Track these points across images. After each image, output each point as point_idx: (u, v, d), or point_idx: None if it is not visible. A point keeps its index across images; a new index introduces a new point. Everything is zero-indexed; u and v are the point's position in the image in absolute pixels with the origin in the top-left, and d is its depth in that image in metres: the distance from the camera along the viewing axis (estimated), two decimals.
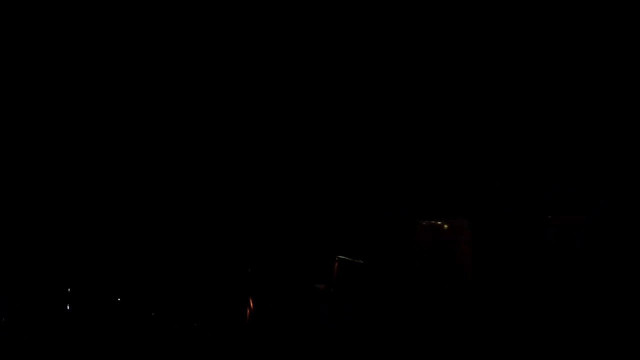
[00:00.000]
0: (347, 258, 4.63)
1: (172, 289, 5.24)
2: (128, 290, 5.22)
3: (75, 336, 4.60)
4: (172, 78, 5.34)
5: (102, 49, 5.18)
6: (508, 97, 5.09)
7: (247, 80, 5.32)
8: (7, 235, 5.20)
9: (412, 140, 5.24)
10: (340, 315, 4.49)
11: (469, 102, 5.16)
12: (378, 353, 4.36)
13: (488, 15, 5.02)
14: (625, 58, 4.85)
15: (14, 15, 5.00)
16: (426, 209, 4.92)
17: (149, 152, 5.41)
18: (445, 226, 4.70)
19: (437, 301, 4.56)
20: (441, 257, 4.65)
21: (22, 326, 4.57)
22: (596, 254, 4.58)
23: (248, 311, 4.70)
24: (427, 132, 5.23)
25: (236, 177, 5.41)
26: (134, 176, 5.42)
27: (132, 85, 5.34)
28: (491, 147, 5.11)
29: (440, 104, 5.21)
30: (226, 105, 5.38)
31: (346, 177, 5.29)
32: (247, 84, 5.33)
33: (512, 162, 5.06)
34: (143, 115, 5.39)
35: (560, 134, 4.99)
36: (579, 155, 4.94)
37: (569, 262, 4.59)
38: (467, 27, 5.07)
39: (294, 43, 5.23)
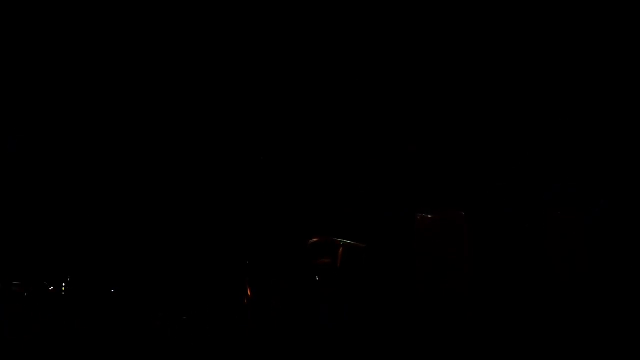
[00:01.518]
0: (350, 242, 4.62)
1: (169, 285, 5.22)
2: (124, 288, 5.21)
3: (70, 330, 4.60)
4: (167, 77, 5.34)
5: (102, 49, 5.18)
6: (507, 96, 5.10)
7: (246, 76, 5.32)
8: (5, 234, 5.19)
9: (413, 138, 5.24)
10: (340, 315, 4.49)
11: (468, 101, 5.16)
12: (378, 353, 4.35)
13: (487, 14, 5.02)
14: (625, 58, 4.85)
15: (14, 16, 4.99)
16: (425, 205, 4.92)
17: (140, 144, 5.40)
18: (443, 219, 4.72)
19: (436, 297, 4.57)
20: (439, 251, 4.67)
21: (21, 326, 4.56)
22: (596, 251, 4.60)
23: (248, 310, 4.70)
24: (427, 130, 5.23)
25: (240, 175, 5.40)
26: (125, 170, 5.41)
27: (128, 83, 5.33)
28: (491, 147, 5.11)
29: (439, 103, 5.21)
30: (219, 98, 5.37)
31: (346, 174, 5.29)
32: (246, 81, 5.33)
33: (512, 161, 5.07)
34: (129, 110, 5.38)
35: (561, 134, 4.99)
36: (579, 155, 4.95)
37: (568, 259, 4.60)
38: (466, 25, 5.07)
39: (289, 41, 5.22)
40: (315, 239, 4.68)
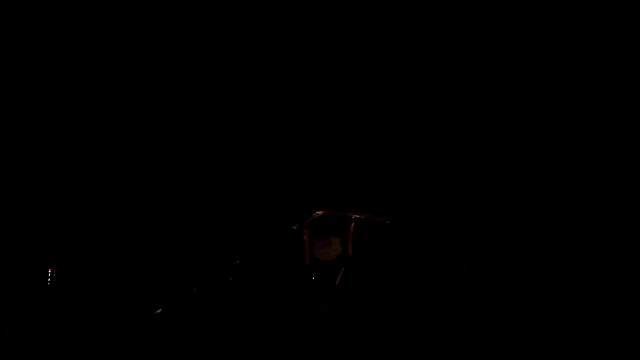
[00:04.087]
0: (366, 216, 4.51)
1: (169, 284, 5.22)
2: (124, 288, 5.21)
3: (70, 330, 4.60)
4: (166, 76, 5.34)
5: (102, 49, 5.18)
6: (507, 97, 5.10)
7: (247, 78, 5.33)
8: (6, 234, 5.19)
9: (413, 138, 5.25)
10: (340, 315, 4.48)
11: (468, 102, 5.17)
12: (378, 353, 4.35)
13: (487, 15, 5.03)
14: (625, 58, 4.85)
15: (15, 16, 5.00)
16: (425, 206, 4.93)
17: (138, 143, 5.40)
18: (443, 219, 4.72)
19: (437, 297, 4.57)
20: (439, 251, 4.67)
21: (22, 326, 4.56)
22: (596, 251, 4.60)
23: (248, 310, 4.70)
24: (427, 130, 5.23)
25: (243, 179, 5.41)
26: (124, 169, 5.41)
27: (128, 83, 5.34)
28: (492, 147, 5.12)
29: (439, 103, 5.22)
30: (219, 98, 5.38)
31: (347, 174, 5.29)
32: (247, 82, 5.34)
33: (512, 161, 5.07)
34: (128, 109, 5.38)
35: (561, 134, 5.00)
36: (579, 155, 4.95)
37: (568, 259, 4.60)
38: (467, 27, 5.07)
39: (293, 43, 5.23)
40: (321, 212, 4.59)
